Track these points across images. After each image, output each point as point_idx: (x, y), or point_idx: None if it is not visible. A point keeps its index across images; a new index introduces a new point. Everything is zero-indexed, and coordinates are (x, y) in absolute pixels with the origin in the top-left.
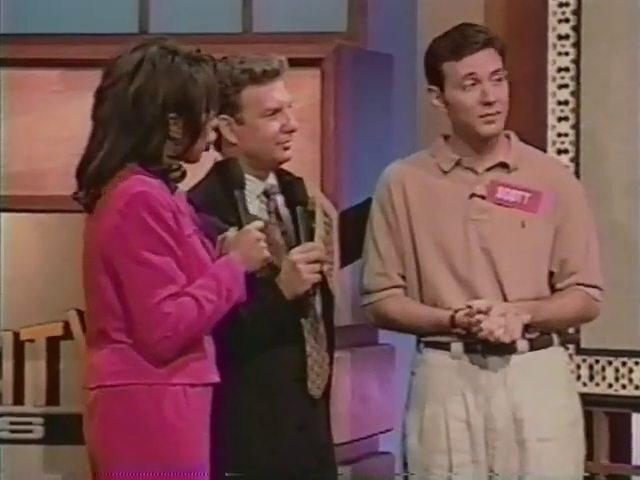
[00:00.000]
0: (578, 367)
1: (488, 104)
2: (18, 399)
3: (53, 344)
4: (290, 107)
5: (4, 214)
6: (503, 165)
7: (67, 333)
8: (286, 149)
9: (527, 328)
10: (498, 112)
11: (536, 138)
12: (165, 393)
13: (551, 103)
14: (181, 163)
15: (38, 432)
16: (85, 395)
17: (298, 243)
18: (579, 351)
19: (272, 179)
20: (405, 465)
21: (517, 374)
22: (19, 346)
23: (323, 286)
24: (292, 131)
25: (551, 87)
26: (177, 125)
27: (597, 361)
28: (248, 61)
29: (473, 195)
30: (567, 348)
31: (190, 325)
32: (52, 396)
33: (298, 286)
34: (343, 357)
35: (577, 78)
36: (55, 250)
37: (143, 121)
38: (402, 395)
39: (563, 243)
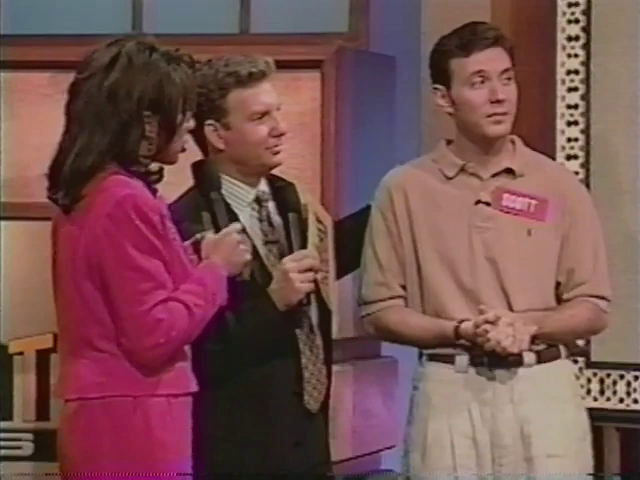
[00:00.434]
0: (589, 381)
1: (497, 102)
2: (7, 414)
3: (43, 357)
4: (278, 109)
5: None
6: (509, 171)
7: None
8: (276, 154)
9: (534, 340)
10: (506, 113)
11: (545, 143)
12: (150, 405)
13: (560, 107)
14: (162, 165)
15: (27, 448)
16: (63, 407)
17: (291, 251)
18: (589, 364)
19: (263, 185)
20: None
21: (524, 388)
22: (8, 359)
23: (319, 296)
24: (281, 135)
25: (560, 90)
26: (152, 124)
27: (608, 375)
28: (233, 63)
29: (478, 202)
30: (576, 361)
31: (181, 331)
32: (42, 411)
33: (291, 296)
34: (344, 370)
35: (587, 81)
36: (44, 260)
37: (118, 117)
38: (406, 410)
39: (570, 252)
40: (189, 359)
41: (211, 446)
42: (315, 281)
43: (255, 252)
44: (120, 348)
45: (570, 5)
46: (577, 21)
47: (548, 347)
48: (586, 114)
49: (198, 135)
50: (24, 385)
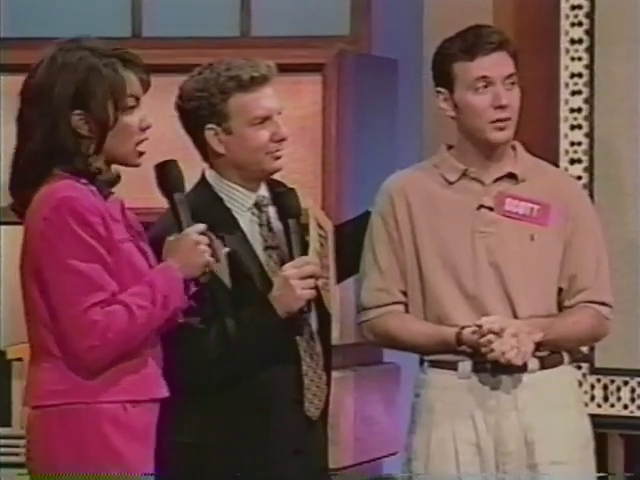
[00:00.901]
0: (592, 387)
1: (500, 108)
2: (5, 421)
3: None
4: (280, 114)
5: None
6: (511, 176)
7: None
8: (277, 159)
9: (538, 347)
10: (509, 118)
11: (548, 147)
12: (103, 412)
13: (564, 110)
14: (115, 167)
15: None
16: (25, 414)
17: (292, 257)
18: (593, 371)
19: (263, 190)
20: None
21: (528, 395)
22: (6, 365)
23: (319, 302)
24: (283, 140)
25: (564, 94)
26: (83, 121)
27: (612, 381)
28: (234, 67)
29: (480, 207)
30: (580, 367)
31: (120, 333)
32: None
33: (292, 303)
34: (346, 377)
35: (591, 84)
36: None
37: (45, 118)
38: (408, 417)
39: (572, 258)
40: (156, 364)
41: (211, 453)
42: (316, 287)
43: (255, 258)
44: (63, 352)
45: (573, 8)
46: (580, 24)
47: (551, 353)
48: (590, 118)
49: (198, 139)
50: (22, 391)
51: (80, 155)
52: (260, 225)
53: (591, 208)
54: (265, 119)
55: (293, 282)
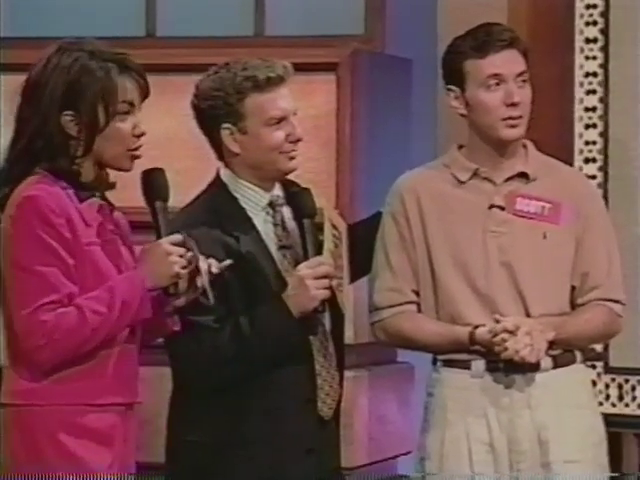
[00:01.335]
0: (607, 386)
1: (512, 105)
2: None
3: None
4: (295, 115)
5: None
6: (522, 175)
7: None
8: (291, 159)
9: (551, 345)
10: (521, 116)
11: (562, 146)
12: (56, 414)
13: (578, 110)
14: (108, 171)
15: None
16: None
17: (306, 257)
18: (608, 370)
19: (278, 190)
20: None
21: (541, 393)
22: None
23: (332, 302)
24: (298, 140)
25: (578, 93)
26: (73, 122)
27: (627, 380)
28: (251, 67)
29: (492, 206)
30: (595, 367)
31: (67, 334)
32: None
33: (306, 303)
34: (360, 376)
35: (605, 83)
36: None
37: (35, 116)
38: (421, 416)
39: (584, 256)
40: (124, 369)
41: (223, 452)
42: (330, 288)
43: (269, 257)
44: (16, 352)
45: (588, 7)
46: (595, 23)
47: (564, 352)
48: (604, 117)
49: (214, 138)
50: None
51: (65, 155)
52: (274, 225)
53: (602, 206)
54: (281, 119)
55: (308, 282)
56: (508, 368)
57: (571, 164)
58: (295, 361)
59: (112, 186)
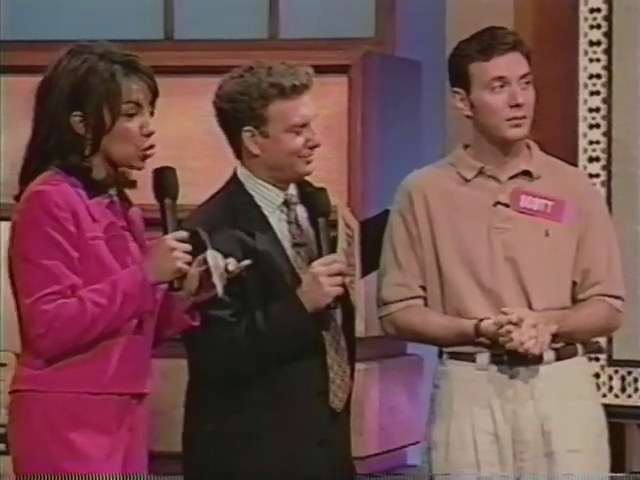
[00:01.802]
0: (610, 379)
1: (517, 106)
2: None
3: None
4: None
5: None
6: (526, 173)
7: None
8: (308, 163)
9: (553, 338)
10: (525, 116)
11: (567, 146)
12: (55, 401)
13: (582, 110)
14: (126, 170)
15: None
16: None
17: (320, 255)
18: (611, 363)
19: (292, 189)
20: (431, 479)
21: (544, 385)
22: None
23: (344, 298)
24: (316, 146)
25: (582, 94)
26: (81, 123)
27: (629, 373)
28: (276, 74)
29: (496, 203)
30: (598, 359)
31: (67, 324)
32: None
33: (320, 299)
34: (371, 368)
35: (609, 85)
36: None
37: (46, 115)
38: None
39: (585, 253)
40: (130, 359)
41: (237, 444)
42: (343, 285)
43: (284, 255)
44: (21, 340)
45: (592, 11)
46: (599, 26)
47: (566, 345)
48: (607, 117)
49: (234, 139)
50: None
51: (76, 153)
52: (289, 222)
53: (604, 205)
54: (302, 126)
55: (322, 279)
56: (512, 360)
57: (576, 163)
58: (308, 355)
59: (131, 185)
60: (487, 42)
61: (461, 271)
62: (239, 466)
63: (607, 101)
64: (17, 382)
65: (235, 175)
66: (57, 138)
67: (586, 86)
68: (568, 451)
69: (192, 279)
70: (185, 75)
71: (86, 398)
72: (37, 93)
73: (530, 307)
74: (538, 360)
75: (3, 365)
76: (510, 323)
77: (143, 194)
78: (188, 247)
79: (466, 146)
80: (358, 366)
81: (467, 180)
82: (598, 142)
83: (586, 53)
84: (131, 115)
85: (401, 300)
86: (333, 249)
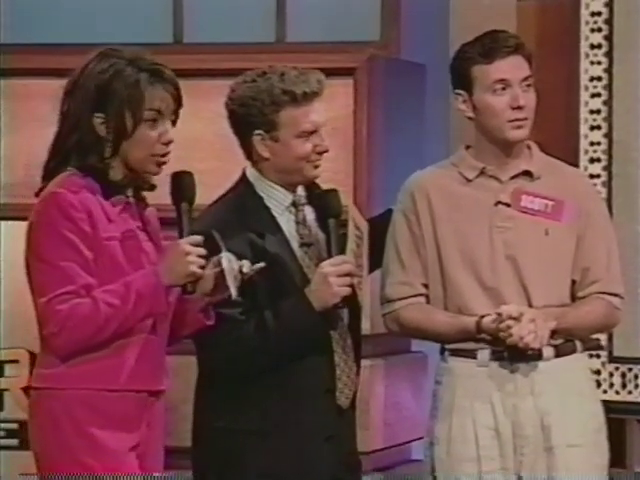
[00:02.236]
0: (611, 375)
1: (518, 108)
2: None
3: None
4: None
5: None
6: (526, 173)
7: None
8: (316, 167)
9: (553, 335)
10: (526, 118)
11: (568, 147)
12: (76, 397)
13: (583, 112)
14: (146, 175)
15: None
16: None
17: (330, 255)
18: (612, 359)
19: (300, 190)
20: (433, 473)
21: (544, 381)
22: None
23: (351, 298)
24: (324, 152)
25: (583, 96)
26: (103, 125)
27: (630, 369)
28: (288, 80)
29: (498, 203)
30: (599, 356)
31: (80, 323)
32: None
33: (328, 298)
34: (376, 365)
35: (609, 87)
36: None
37: (70, 116)
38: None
39: (585, 252)
40: (146, 357)
41: (245, 440)
42: (351, 285)
43: (292, 254)
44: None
45: (593, 14)
46: (600, 30)
47: (565, 342)
48: (608, 119)
49: (245, 141)
50: None
51: (95, 154)
52: (297, 223)
53: (603, 205)
54: (312, 132)
55: (331, 279)
56: (512, 357)
57: (577, 164)
58: (316, 353)
59: (150, 188)
60: (489, 45)
61: (463, 270)
62: (247, 462)
63: (608, 103)
64: (35, 380)
65: (244, 176)
66: (78, 138)
67: (587, 88)
68: (568, 446)
69: (207, 281)
70: (194, 78)
71: (104, 394)
72: (64, 92)
73: (530, 304)
74: (538, 356)
75: (15, 362)
76: (510, 318)
77: (157, 194)
78: (202, 251)
79: (468, 147)
80: (363, 363)
81: (469, 180)
82: (599, 143)
83: (587, 56)
84: (152, 122)
85: (404, 298)
86: (342, 250)
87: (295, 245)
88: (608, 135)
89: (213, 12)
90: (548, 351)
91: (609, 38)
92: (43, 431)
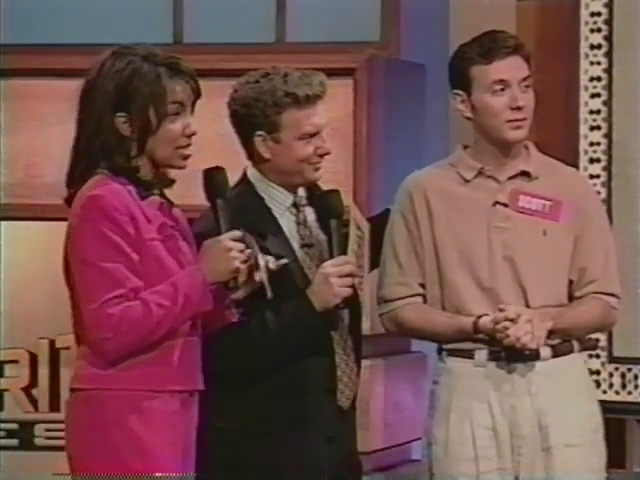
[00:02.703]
0: (610, 375)
1: (517, 109)
2: (54, 406)
3: None
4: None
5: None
6: (524, 174)
7: None
8: (317, 169)
9: (550, 335)
10: (525, 118)
11: (568, 147)
12: (125, 398)
13: (583, 112)
14: (166, 170)
15: None
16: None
17: (331, 256)
18: (611, 359)
19: (301, 191)
20: (431, 473)
21: (541, 381)
22: (55, 354)
23: (353, 299)
24: (325, 154)
25: (583, 96)
26: (126, 124)
27: (629, 369)
28: (291, 83)
29: (496, 203)
30: (599, 356)
31: (133, 327)
32: None
33: (329, 299)
34: (376, 365)
35: (609, 87)
36: None
37: (90, 118)
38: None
39: (582, 252)
40: (187, 358)
41: (247, 440)
42: (352, 286)
43: (294, 255)
44: (85, 341)
45: (593, 15)
46: (599, 30)
47: (562, 342)
48: (608, 119)
49: (247, 142)
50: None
51: (122, 154)
52: (297, 224)
53: (600, 205)
54: (313, 134)
55: (332, 280)
56: (510, 357)
57: (576, 164)
58: (317, 354)
59: (171, 183)
60: (488, 45)
61: (460, 270)
62: (248, 462)
63: (607, 103)
64: (81, 381)
65: (245, 176)
66: (102, 140)
67: (587, 89)
68: (565, 446)
69: (242, 277)
70: None
71: (152, 395)
72: (81, 95)
73: (527, 305)
74: (535, 356)
75: (15, 362)
76: (507, 319)
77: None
78: (242, 247)
79: (466, 147)
80: (364, 363)
81: (467, 180)
82: (599, 144)
83: (587, 56)
84: (175, 115)
85: (401, 298)
86: (344, 250)
87: (296, 246)
88: (608, 135)
89: (213, 12)
90: (545, 351)
91: (609, 38)
92: (86, 432)
